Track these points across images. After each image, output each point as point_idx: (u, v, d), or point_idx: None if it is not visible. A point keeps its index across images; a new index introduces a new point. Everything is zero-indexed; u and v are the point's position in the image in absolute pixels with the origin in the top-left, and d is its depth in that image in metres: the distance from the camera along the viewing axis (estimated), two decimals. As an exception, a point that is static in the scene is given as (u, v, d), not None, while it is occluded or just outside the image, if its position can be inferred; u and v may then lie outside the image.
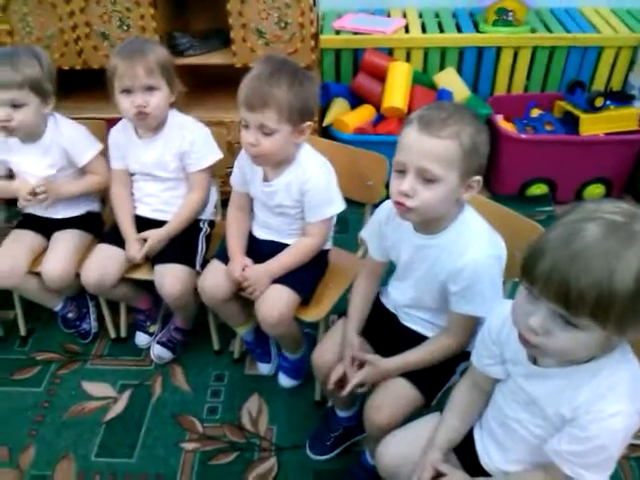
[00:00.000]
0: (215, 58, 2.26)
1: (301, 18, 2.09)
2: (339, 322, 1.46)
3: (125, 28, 2.14)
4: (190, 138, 1.68)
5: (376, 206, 1.68)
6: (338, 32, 2.62)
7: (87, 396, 1.78)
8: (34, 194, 1.67)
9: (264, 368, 1.81)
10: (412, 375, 1.29)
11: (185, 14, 2.42)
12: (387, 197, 1.26)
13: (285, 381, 1.76)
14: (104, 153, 1.79)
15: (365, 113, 2.45)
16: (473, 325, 1.26)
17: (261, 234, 1.65)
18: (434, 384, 1.31)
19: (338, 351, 1.38)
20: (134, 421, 1.70)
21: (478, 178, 1.16)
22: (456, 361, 1.32)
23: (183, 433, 1.67)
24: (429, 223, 1.22)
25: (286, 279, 1.55)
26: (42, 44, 2.19)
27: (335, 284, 1.66)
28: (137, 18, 2.11)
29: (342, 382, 1.33)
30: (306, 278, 1.59)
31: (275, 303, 1.51)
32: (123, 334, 1.95)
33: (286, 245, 1.60)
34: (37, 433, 1.68)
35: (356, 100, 2.55)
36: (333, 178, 1.54)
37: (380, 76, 2.47)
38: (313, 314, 1.58)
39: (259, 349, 1.81)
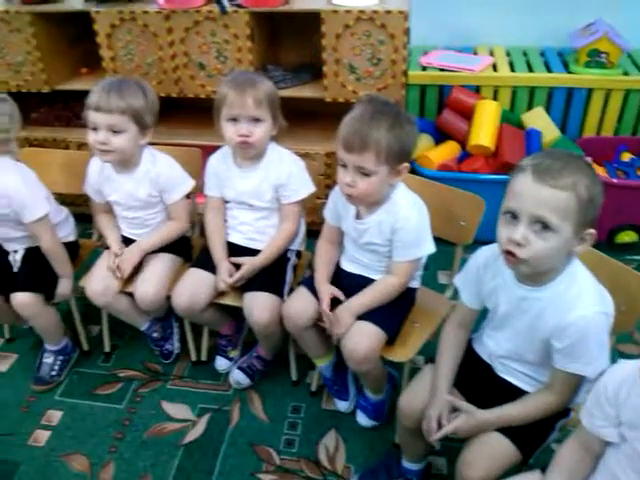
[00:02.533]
0: (306, 91, 2.30)
1: (394, 55, 2.10)
2: (427, 368, 1.42)
3: (222, 59, 2.21)
4: (288, 170, 1.71)
5: (467, 247, 1.66)
6: (424, 68, 2.62)
7: (166, 417, 1.81)
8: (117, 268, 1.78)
9: (342, 405, 1.79)
10: (508, 430, 1.23)
11: (277, 47, 2.49)
12: (480, 240, 1.22)
13: (364, 420, 1.73)
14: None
15: (450, 150, 2.44)
16: (577, 383, 1.21)
17: (349, 267, 1.65)
18: (532, 440, 1.26)
19: (427, 399, 1.33)
20: (212, 446, 1.71)
21: (592, 231, 1.13)
22: (556, 417, 1.26)
23: (260, 463, 1.66)
24: (536, 274, 1.18)
25: (372, 316, 1.53)
26: (141, 71, 2.30)
27: (422, 324, 1.63)
28: (234, 50, 2.18)
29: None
30: (392, 316, 1.57)
31: (361, 339, 1.50)
32: (204, 357, 1.98)
33: (372, 280, 1.59)
34: (117, 450, 1.71)
35: (440, 136, 2.53)
36: (426, 219, 1.53)
37: (466, 113, 2.45)
38: (399, 354, 1.55)
39: (337, 386, 1.79)
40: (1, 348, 2.10)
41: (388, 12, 2.02)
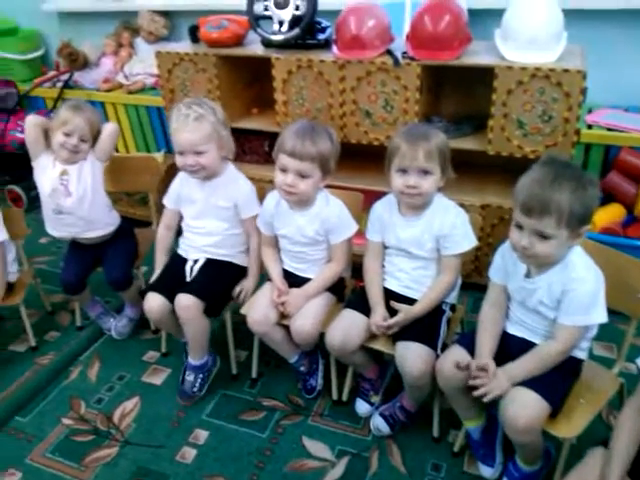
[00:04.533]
0: (467, 143, 2.29)
1: (567, 113, 2.04)
2: (598, 450, 1.31)
3: (389, 109, 2.28)
4: (451, 222, 1.70)
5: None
6: (590, 126, 2.53)
7: (306, 453, 1.83)
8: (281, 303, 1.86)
9: (486, 471, 1.71)
10: None
11: (439, 99, 2.52)
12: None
13: (511, 491, 1.64)
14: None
15: (615, 213, 2.31)
16: None
17: (513, 330, 1.60)
18: None
19: None
20: (350, 491, 1.71)
21: None
22: None
23: (398, 518, 1.63)
24: None
25: (536, 384, 1.46)
26: (310, 115, 2.42)
27: (587, 401, 1.53)
28: (402, 101, 2.24)
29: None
30: (557, 387, 1.49)
31: (524, 409, 1.43)
32: (344, 398, 1.99)
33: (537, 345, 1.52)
34: (258, 479, 1.75)
35: (604, 198, 2.41)
36: (602, 286, 1.45)
37: (635, 176, 2.33)
38: (563, 430, 1.46)
39: (483, 450, 1.72)
40: (157, 362, 2.26)
41: (566, 70, 1.98)
